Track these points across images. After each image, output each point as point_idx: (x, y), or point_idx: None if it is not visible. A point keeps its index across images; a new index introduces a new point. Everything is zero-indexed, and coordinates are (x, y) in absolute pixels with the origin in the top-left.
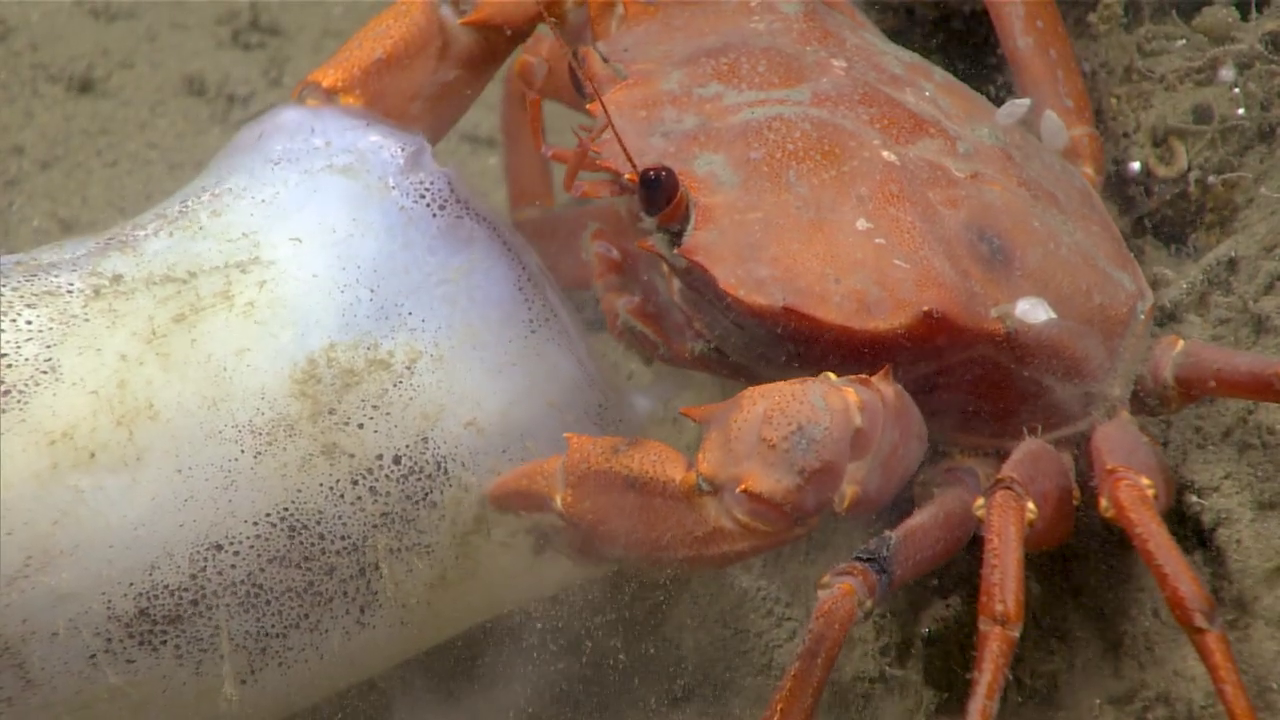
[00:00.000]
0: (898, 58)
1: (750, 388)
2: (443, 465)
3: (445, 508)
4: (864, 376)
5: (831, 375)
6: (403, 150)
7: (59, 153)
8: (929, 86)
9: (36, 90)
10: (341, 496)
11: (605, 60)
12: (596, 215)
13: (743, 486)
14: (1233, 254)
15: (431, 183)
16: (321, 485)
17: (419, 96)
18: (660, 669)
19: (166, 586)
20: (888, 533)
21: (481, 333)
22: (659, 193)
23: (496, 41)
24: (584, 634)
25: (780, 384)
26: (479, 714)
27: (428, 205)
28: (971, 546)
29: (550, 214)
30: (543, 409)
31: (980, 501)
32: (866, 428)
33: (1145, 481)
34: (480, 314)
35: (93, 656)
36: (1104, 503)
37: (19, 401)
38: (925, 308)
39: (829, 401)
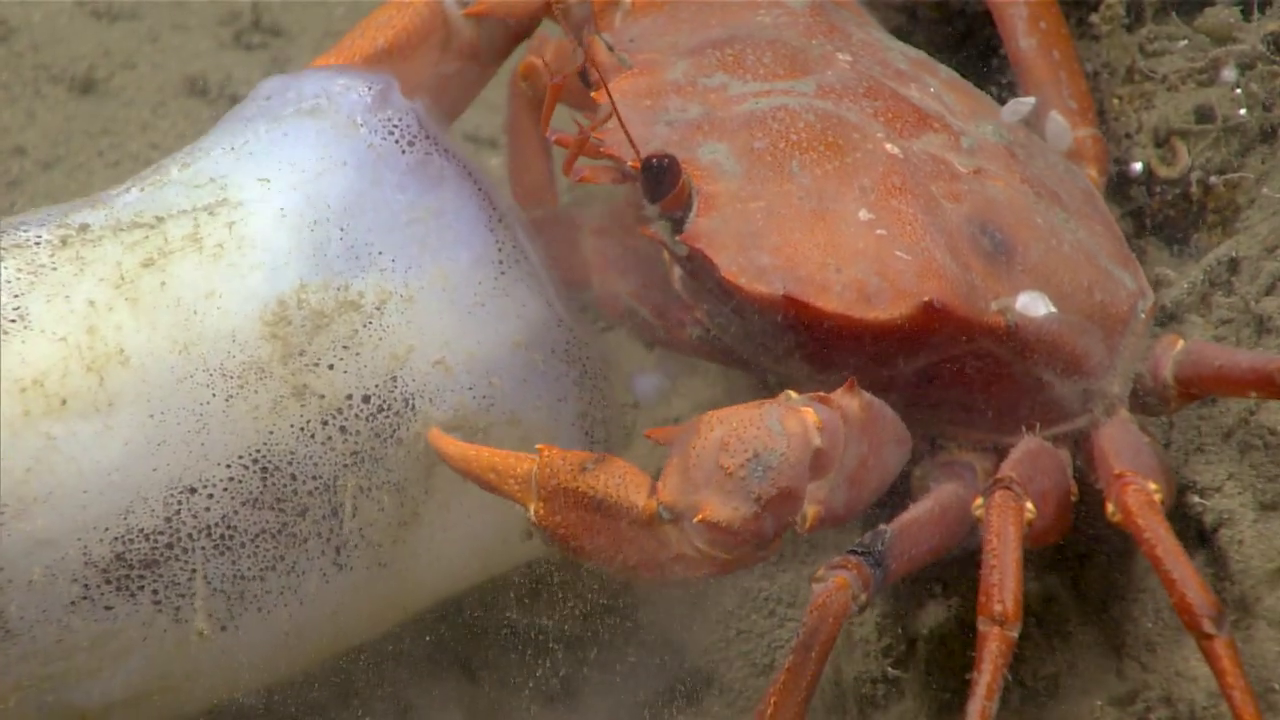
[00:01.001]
0: (903, 53)
1: (709, 412)
2: (410, 402)
3: (412, 444)
4: (823, 395)
5: (793, 394)
6: (370, 89)
7: (61, 153)
8: (934, 82)
9: (38, 91)
10: (312, 437)
11: (611, 50)
12: (596, 213)
13: (700, 516)
14: (1234, 254)
15: (400, 119)
16: (293, 426)
17: (420, 88)
18: (663, 669)
19: (142, 530)
20: (883, 526)
21: (451, 273)
22: (662, 180)
23: (499, 34)
24: (588, 637)
25: (738, 408)
26: (470, 709)
27: (396, 141)
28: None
29: (551, 213)
30: (510, 348)
31: (979, 501)
32: (826, 447)
33: (1152, 486)
34: (450, 254)
35: (71, 604)
36: (1111, 508)
37: None
38: (926, 298)
39: (785, 425)
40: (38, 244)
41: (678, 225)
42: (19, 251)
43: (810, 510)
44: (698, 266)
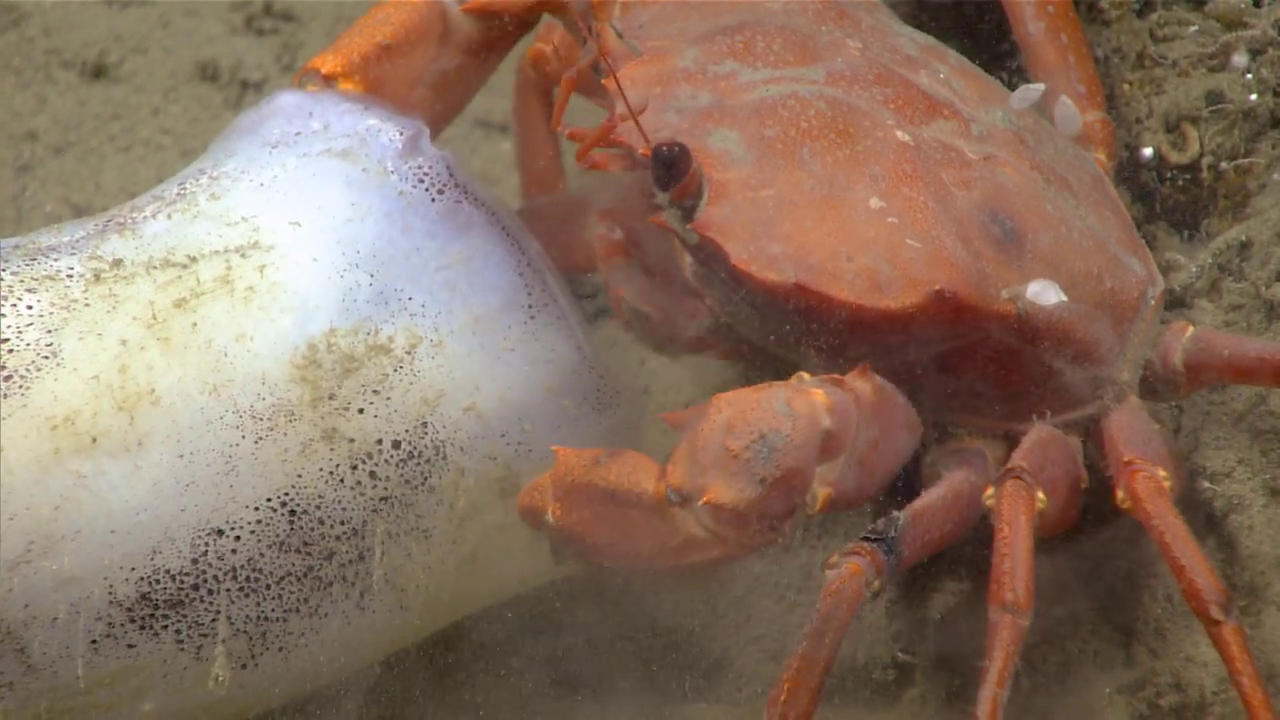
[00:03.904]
0: (913, 40)
1: (718, 395)
2: (441, 450)
3: (443, 492)
4: (836, 376)
5: (805, 375)
6: (401, 134)
7: (72, 138)
8: (943, 69)
9: (49, 76)
10: (341, 481)
11: (620, 37)
12: (603, 197)
13: (706, 498)
14: (1244, 239)
15: (430, 166)
16: (321, 470)
17: (420, 84)
18: (672, 656)
19: (168, 571)
20: (895, 513)
21: (481, 318)
22: (673, 168)
23: (498, 29)
24: (596, 622)
25: (746, 391)
26: (487, 700)
27: (426, 189)
28: (984, 532)
29: (558, 196)
30: (541, 393)
31: (990, 490)
32: (837, 429)
33: (1161, 473)
34: (480, 299)
35: (94, 641)
36: (1120, 494)
37: (21, 387)
38: (937, 287)
39: (793, 406)
40: (70, 277)
41: (688, 213)
42: (51, 284)
43: (821, 492)
44: (708, 255)
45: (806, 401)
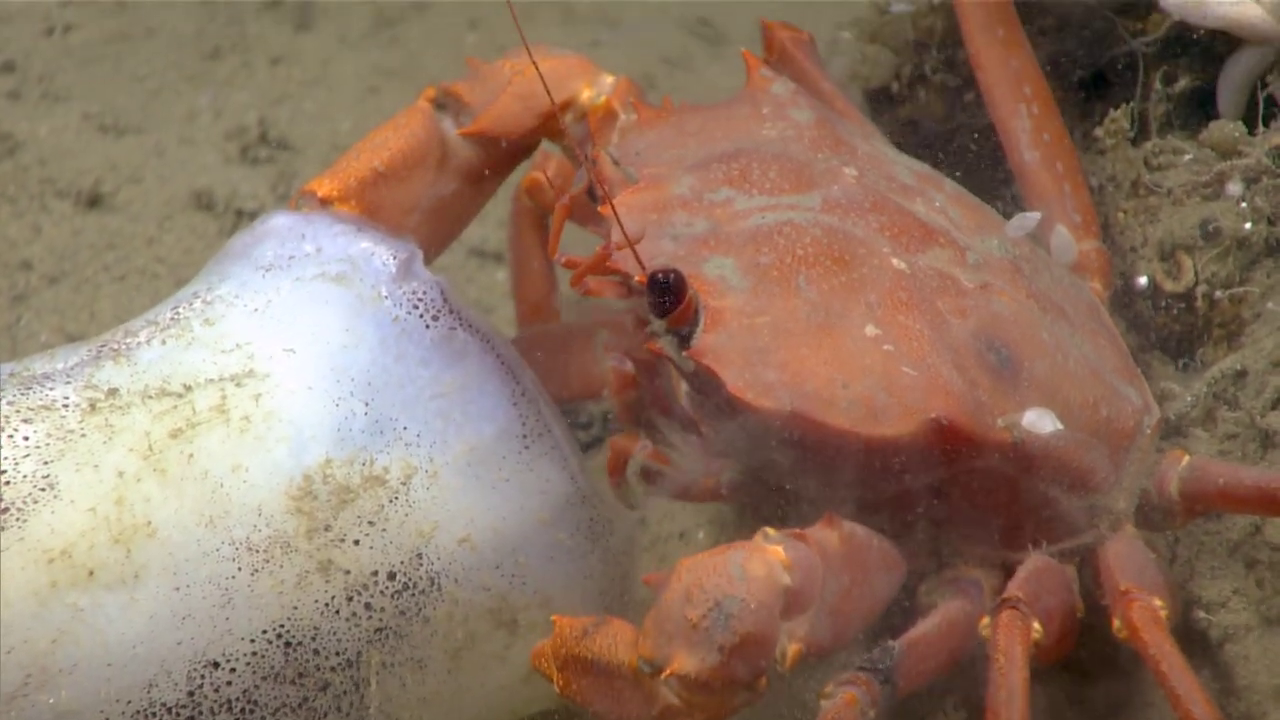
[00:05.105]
0: (909, 167)
1: (683, 559)
2: (436, 581)
3: (438, 623)
4: (798, 531)
5: (770, 531)
6: (395, 257)
7: (67, 267)
8: (939, 197)
9: (44, 205)
10: (336, 613)
11: (616, 164)
12: (602, 326)
13: (670, 670)
14: (1239, 368)
15: (424, 292)
16: (317, 602)
17: (416, 209)
18: None
19: (164, 704)
20: (890, 642)
21: (476, 448)
22: (668, 295)
23: (496, 154)
24: None
25: (706, 555)
26: None
27: (420, 315)
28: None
29: (553, 326)
30: (535, 525)
31: (986, 620)
32: (799, 585)
33: (1158, 602)
34: (474, 429)
35: None
36: (1117, 624)
37: (18, 519)
38: (933, 415)
39: (748, 570)
40: (66, 407)
41: (684, 341)
42: (47, 414)
43: (790, 648)
44: (704, 382)
45: (763, 562)
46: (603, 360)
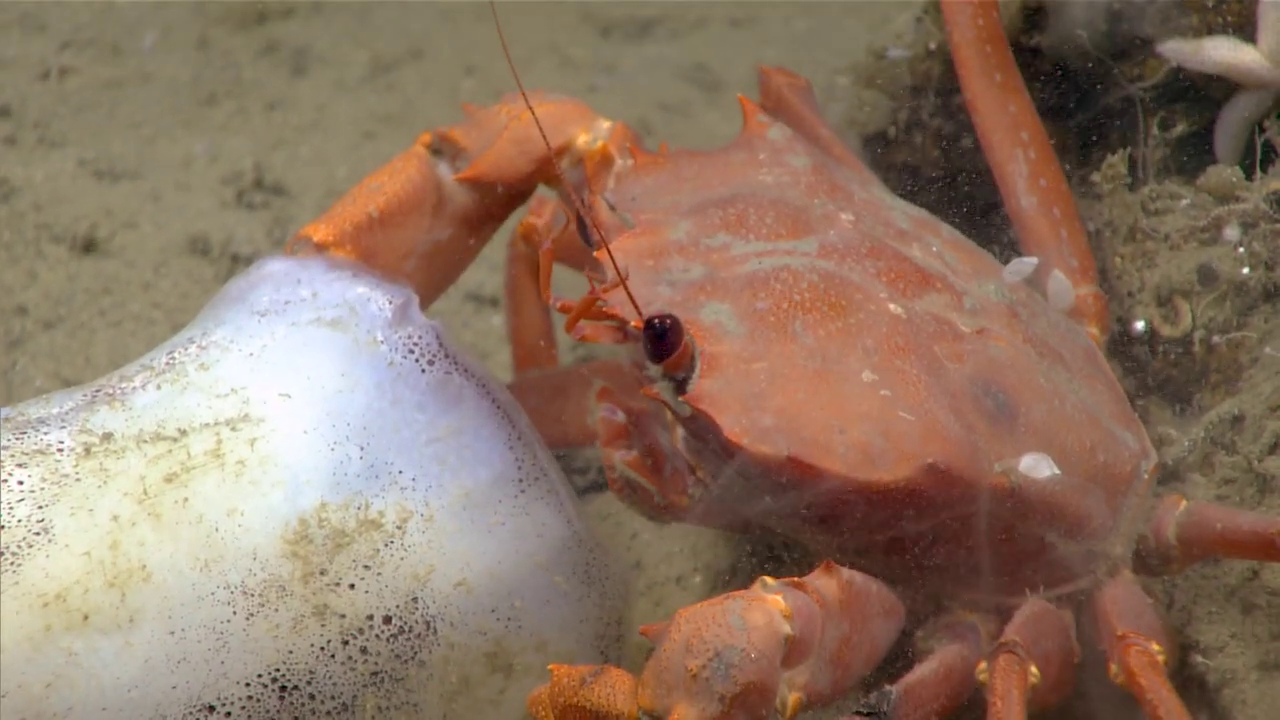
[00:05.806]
0: (905, 212)
1: (682, 609)
2: (432, 625)
3: (434, 667)
4: (797, 580)
5: (769, 579)
6: (390, 303)
7: (62, 313)
8: (936, 242)
9: (40, 250)
10: (332, 657)
11: (613, 209)
12: (598, 372)
13: (672, 719)
14: (1237, 413)
15: (420, 336)
16: (313, 646)
17: (412, 254)
18: None
19: None
20: (888, 687)
21: (472, 492)
22: (665, 340)
23: (492, 199)
24: None
25: (705, 605)
26: None
27: (416, 360)
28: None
29: (549, 371)
30: (531, 569)
31: (983, 665)
32: (799, 634)
33: (1155, 647)
34: (470, 473)
35: None
36: (1114, 669)
37: (12, 564)
38: (929, 460)
39: (748, 619)
40: (60, 451)
41: (680, 386)
42: (42, 459)
43: (791, 697)
44: (700, 427)
45: (763, 612)
46: (594, 410)
